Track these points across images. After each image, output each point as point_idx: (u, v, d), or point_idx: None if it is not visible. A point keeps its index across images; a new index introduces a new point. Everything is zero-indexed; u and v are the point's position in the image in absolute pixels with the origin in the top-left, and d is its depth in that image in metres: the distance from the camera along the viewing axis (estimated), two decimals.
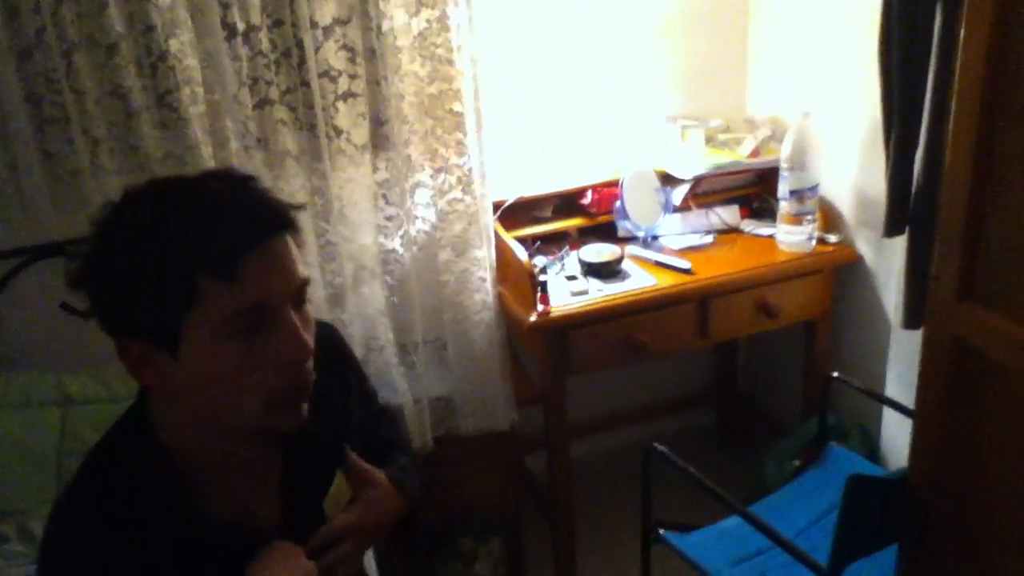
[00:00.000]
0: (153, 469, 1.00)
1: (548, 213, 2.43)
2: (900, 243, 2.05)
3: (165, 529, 0.99)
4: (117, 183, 1.91)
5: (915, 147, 1.70)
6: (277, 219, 0.97)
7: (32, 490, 1.84)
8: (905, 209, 1.79)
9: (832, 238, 2.35)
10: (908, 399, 2.03)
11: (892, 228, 1.81)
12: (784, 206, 2.29)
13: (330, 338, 1.23)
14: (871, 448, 2.34)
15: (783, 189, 2.28)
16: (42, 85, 1.87)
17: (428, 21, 2.02)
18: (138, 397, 1.06)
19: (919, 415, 1.42)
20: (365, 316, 2.20)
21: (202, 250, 0.91)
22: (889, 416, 2.28)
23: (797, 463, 2.29)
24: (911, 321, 1.80)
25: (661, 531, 1.95)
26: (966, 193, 1.22)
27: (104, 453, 1.04)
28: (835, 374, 2.09)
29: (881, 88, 1.75)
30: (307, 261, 2.01)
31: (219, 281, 0.90)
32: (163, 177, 0.99)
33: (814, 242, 2.32)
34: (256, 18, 1.91)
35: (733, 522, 1.96)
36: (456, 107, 2.08)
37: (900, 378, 2.19)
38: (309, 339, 0.99)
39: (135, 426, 1.04)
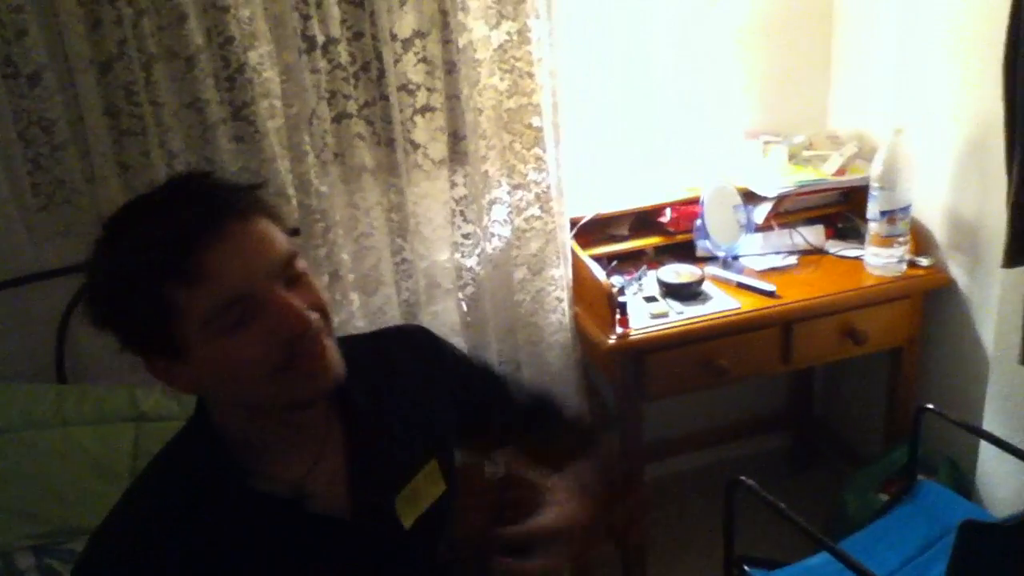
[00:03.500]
0: (208, 454, 1.00)
1: (625, 231, 2.36)
2: (998, 270, 1.96)
3: (219, 509, 0.98)
4: None
5: None
6: (226, 209, 0.92)
7: (103, 506, 1.79)
8: None
9: (924, 262, 2.24)
10: (1008, 434, 1.93)
11: (1013, 258, 1.70)
12: (873, 227, 2.19)
13: (415, 340, 1.25)
14: (963, 485, 2.22)
15: (873, 209, 2.18)
16: (121, 97, 1.85)
17: (508, 34, 1.98)
18: (198, 400, 1.05)
19: None
20: (439, 335, 2.14)
21: (156, 259, 0.88)
22: (986, 452, 2.16)
23: (884, 497, 2.19)
24: None
25: (745, 568, 1.86)
26: None
27: (166, 450, 1.05)
28: (928, 405, 1.99)
29: (1005, 109, 1.65)
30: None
31: (183, 285, 0.88)
32: (128, 201, 0.97)
33: (904, 265, 2.21)
34: (336, 31, 1.89)
35: (821, 559, 1.87)
36: (535, 121, 2.03)
37: (999, 412, 2.08)
38: (303, 310, 0.94)
39: (196, 423, 1.04)
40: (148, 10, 1.78)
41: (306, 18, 1.86)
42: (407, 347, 1.23)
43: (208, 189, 0.96)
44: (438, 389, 1.22)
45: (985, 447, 2.15)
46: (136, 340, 0.94)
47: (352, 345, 1.04)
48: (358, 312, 2.08)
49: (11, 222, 1.89)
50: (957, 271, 2.23)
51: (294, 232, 1.95)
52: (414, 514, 1.13)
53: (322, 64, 1.90)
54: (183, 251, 0.88)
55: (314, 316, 0.96)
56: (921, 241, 2.27)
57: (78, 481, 1.83)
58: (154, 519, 0.97)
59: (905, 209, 2.16)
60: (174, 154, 1.90)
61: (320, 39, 1.88)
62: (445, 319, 2.15)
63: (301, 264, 0.97)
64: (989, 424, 2.11)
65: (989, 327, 2.14)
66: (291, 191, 1.97)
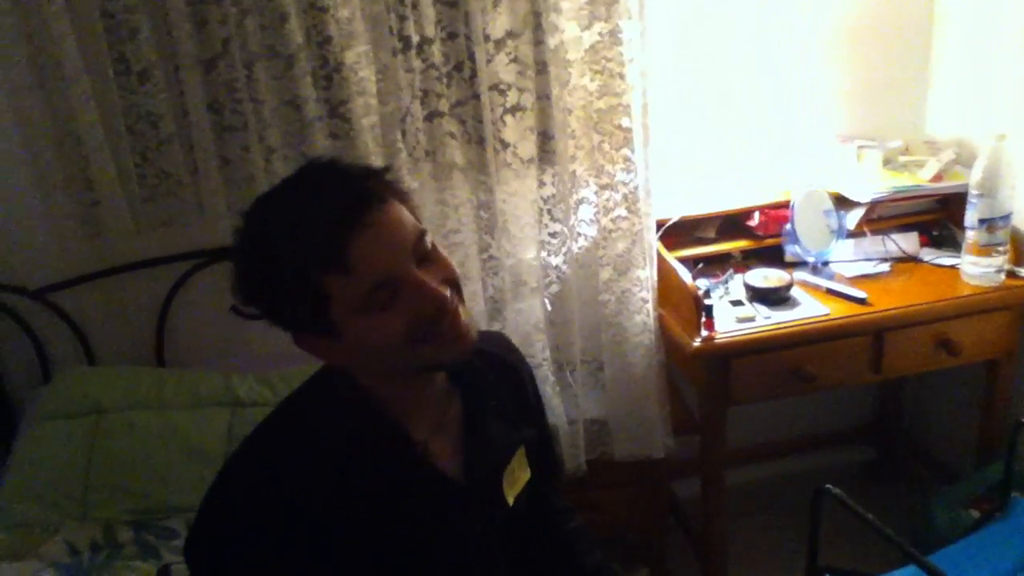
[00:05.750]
0: (347, 397, 1.07)
1: (712, 234, 2.35)
2: None
3: (354, 446, 1.04)
4: None
5: None
6: (363, 195, 0.98)
7: (199, 487, 1.87)
8: None
9: (1023, 272, 2.17)
10: None
11: None
12: (972, 235, 2.13)
13: (505, 341, 1.36)
14: None
15: (971, 217, 2.12)
16: (224, 94, 1.92)
17: (600, 34, 1.98)
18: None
19: None
20: (522, 332, 2.16)
21: (313, 251, 0.95)
22: None
23: (976, 513, 2.12)
24: None
25: None
26: None
27: (299, 392, 1.13)
28: None
29: None
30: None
31: (338, 274, 0.95)
32: (264, 192, 1.04)
33: (1003, 276, 2.14)
34: (431, 31, 1.92)
35: (908, 572, 1.82)
36: (624, 122, 2.03)
37: None
38: (440, 288, 1.01)
39: (327, 374, 1.12)
40: (252, 10, 1.84)
41: (402, 18, 1.90)
42: (503, 345, 1.34)
43: (344, 176, 1.02)
44: (523, 388, 1.30)
45: None
46: (289, 320, 1.02)
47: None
48: None
49: (119, 212, 1.97)
50: None
51: None
52: (513, 493, 1.20)
53: (416, 63, 1.94)
54: (337, 243, 0.94)
55: (448, 291, 1.02)
56: (1021, 251, 2.20)
57: (175, 462, 1.90)
58: (291, 445, 1.05)
59: (1005, 218, 2.09)
60: (272, 149, 1.96)
61: (415, 39, 1.92)
62: (530, 316, 2.17)
63: (430, 240, 1.03)
64: None
65: None
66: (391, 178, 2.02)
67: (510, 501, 1.18)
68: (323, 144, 1.96)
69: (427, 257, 1.02)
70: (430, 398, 1.13)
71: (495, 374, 1.22)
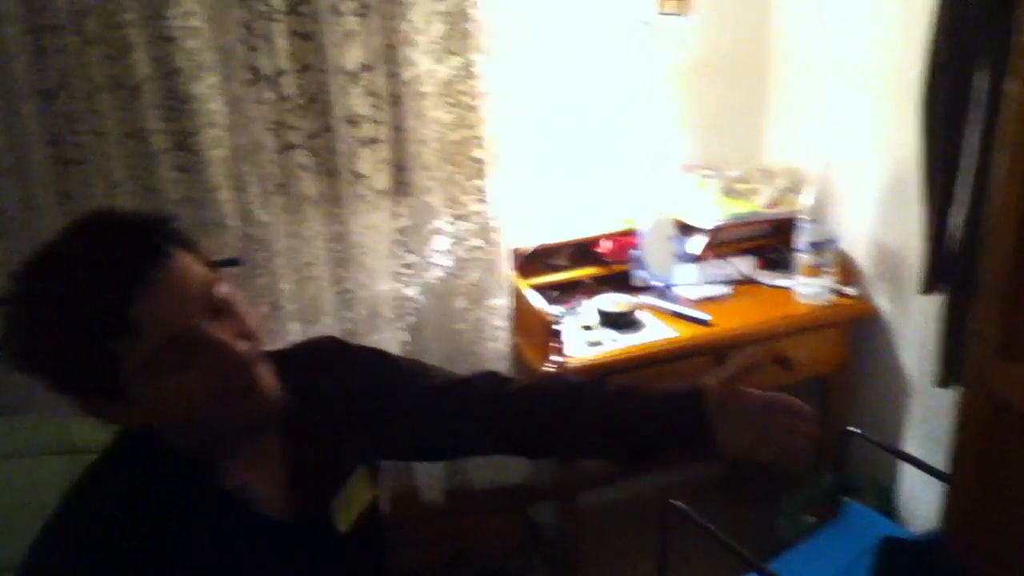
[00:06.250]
0: (151, 454, 1.00)
1: (564, 261, 2.42)
2: (919, 298, 2.05)
3: (164, 503, 0.98)
4: None
5: (952, 202, 1.70)
6: (144, 250, 0.91)
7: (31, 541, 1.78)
8: (943, 265, 1.77)
9: (850, 291, 2.34)
10: (927, 456, 2.02)
11: (929, 284, 1.80)
12: (802, 258, 2.28)
13: (324, 348, 1.24)
14: (888, 505, 2.31)
15: (802, 241, 2.27)
16: (64, 126, 1.85)
17: (454, 68, 2.03)
18: None
19: (954, 476, 1.40)
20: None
21: (94, 318, 0.87)
22: (907, 473, 2.25)
23: (812, 519, 2.26)
24: (945, 379, 1.78)
25: None
26: (1010, 250, 1.21)
27: (103, 458, 1.04)
28: (852, 428, 2.06)
29: (923, 145, 1.74)
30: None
31: (121, 337, 0.88)
32: (33, 253, 0.93)
33: (832, 295, 2.30)
34: (284, 63, 1.91)
35: None
36: (478, 154, 2.08)
37: (920, 435, 2.17)
38: (235, 343, 0.95)
39: (130, 435, 1.04)
40: (94, 39, 1.78)
41: (254, 50, 1.88)
42: (321, 359, 1.23)
43: (124, 230, 0.94)
44: (355, 397, 1.21)
45: (907, 468, 2.24)
46: (71, 387, 0.93)
47: (275, 360, 1.05)
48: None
49: None
50: (881, 300, 2.33)
51: (233, 262, 1.95)
52: (348, 519, 1.15)
53: (268, 95, 1.92)
54: (118, 304, 0.88)
55: (244, 346, 0.97)
56: (848, 272, 2.37)
57: (7, 516, 1.79)
58: (98, 508, 0.98)
59: (832, 241, 2.26)
60: (116, 183, 1.90)
61: (267, 71, 1.90)
62: (386, 348, 2.16)
63: (222, 290, 0.98)
64: (910, 446, 2.20)
65: (911, 353, 2.24)
66: (233, 220, 1.98)
67: (342, 528, 1.14)
68: (170, 177, 1.91)
69: (221, 309, 0.97)
70: (243, 442, 1.06)
71: (320, 397, 1.15)
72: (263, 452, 1.09)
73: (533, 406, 1.22)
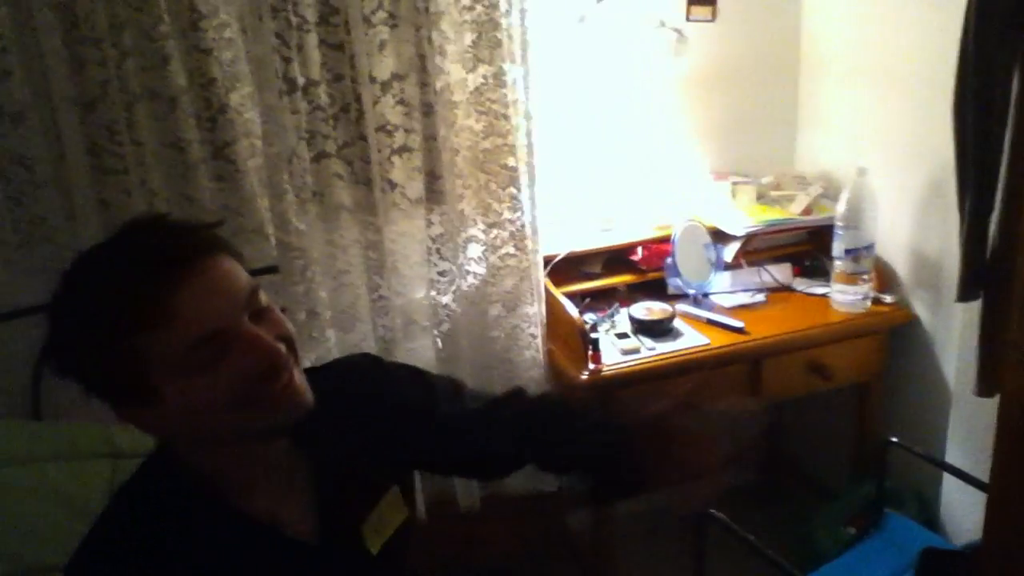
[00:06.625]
0: (176, 483, 1.00)
1: (598, 269, 2.41)
2: (958, 306, 2.01)
3: (191, 533, 0.98)
4: None
5: (990, 210, 1.67)
6: (188, 247, 0.93)
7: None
8: (980, 273, 1.75)
9: (887, 299, 2.31)
10: (970, 466, 1.98)
11: (966, 293, 1.77)
12: (839, 265, 2.26)
13: (358, 365, 1.25)
14: (928, 516, 2.27)
15: (838, 248, 2.25)
16: (103, 136, 1.88)
17: (484, 77, 2.03)
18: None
19: (993, 488, 1.37)
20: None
21: (126, 310, 0.88)
22: (949, 484, 2.21)
23: (852, 530, 2.23)
24: (985, 388, 1.75)
25: None
26: None
27: (131, 481, 1.04)
28: (893, 439, 2.04)
29: (956, 151, 1.72)
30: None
31: (156, 331, 0.88)
32: (85, 250, 0.96)
33: (869, 302, 2.28)
34: (316, 73, 1.93)
35: None
36: (510, 162, 2.08)
37: (961, 445, 2.13)
38: (273, 343, 0.95)
39: (158, 458, 1.04)
40: (132, 51, 1.81)
41: (287, 60, 1.90)
42: (355, 376, 1.23)
43: (166, 230, 0.96)
44: (390, 415, 1.21)
45: (948, 479, 2.20)
46: (106, 390, 0.93)
47: (309, 376, 1.04)
48: (335, 349, 2.10)
49: None
50: (920, 307, 2.29)
51: (271, 270, 1.97)
52: (380, 540, 1.15)
53: (302, 105, 1.94)
54: (150, 297, 0.88)
55: (282, 347, 0.97)
56: (885, 279, 2.34)
57: (52, 519, 1.81)
58: (126, 545, 0.97)
59: (869, 247, 2.23)
60: (155, 192, 1.92)
61: (300, 81, 1.92)
62: (421, 355, 2.18)
63: (264, 297, 0.98)
64: (952, 456, 2.16)
65: (950, 361, 2.20)
66: (270, 229, 2.00)
67: (374, 550, 1.13)
68: (207, 186, 1.93)
69: (261, 314, 0.97)
70: (272, 463, 1.06)
71: (353, 414, 1.16)
72: (290, 474, 1.09)
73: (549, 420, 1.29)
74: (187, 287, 0.89)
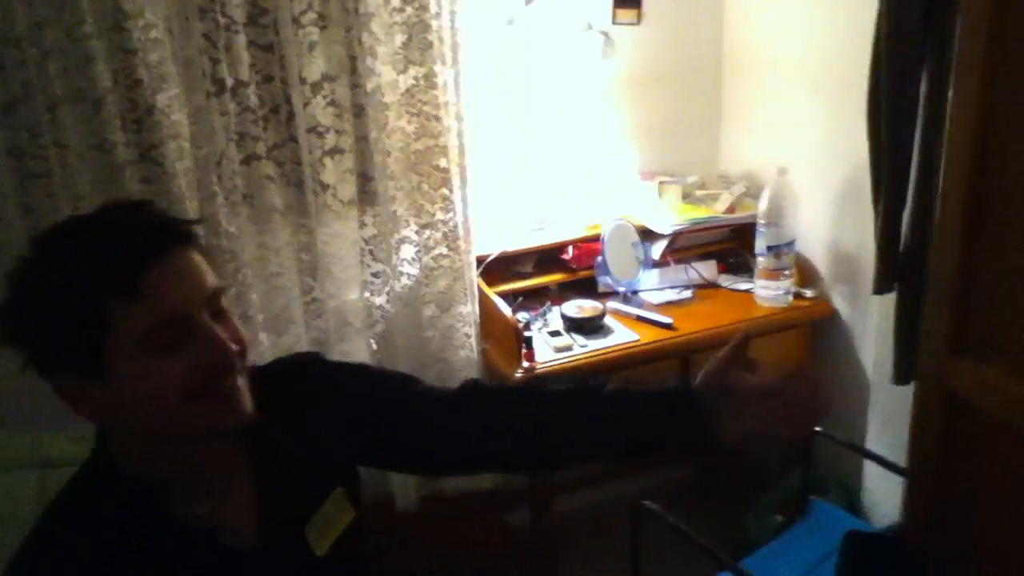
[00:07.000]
0: (114, 486, 1.00)
1: (530, 268, 2.44)
2: (875, 298, 2.09)
3: (128, 540, 0.98)
4: None
5: (903, 205, 1.75)
6: (172, 233, 0.97)
7: (5, 556, 1.77)
8: (895, 266, 1.82)
9: (808, 293, 2.39)
10: (890, 453, 2.06)
11: (882, 286, 1.85)
12: (761, 261, 2.33)
13: (302, 365, 1.24)
14: (852, 502, 2.35)
15: (760, 245, 2.32)
16: (25, 139, 1.84)
17: (416, 78, 2.05)
18: (97, 438, 1.05)
19: (911, 472, 1.43)
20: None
21: (102, 273, 0.91)
22: (870, 470, 2.30)
23: (781, 518, 2.29)
24: (901, 376, 1.83)
25: None
26: (957, 247, 1.24)
27: (68, 487, 1.04)
28: (817, 428, 2.10)
29: (870, 148, 1.80)
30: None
31: (126, 300, 0.91)
32: (61, 220, 0.99)
33: (791, 297, 2.35)
34: (245, 74, 1.92)
35: None
36: (442, 163, 2.10)
37: (881, 433, 2.21)
38: (228, 342, 0.98)
39: (93, 465, 1.04)
40: (54, 52, 1.77)
41: (215, 62, 1.89)
42: (298, 375, 1.22)
43: (147, 214, 0.99)
44: (337, 414, 1.20)
45: (869, 465, 2.28)
46: (55, 355, 0.93)
47: (253, 376, 1.05)
48: (268, 352, 2.08)
49: None
50: (839, 301, 2.38)
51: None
52: (326, 542, 1.14)
53: (231, 107, 1.92)
54: (131, 268, 0.91)
55: (235, 349, 0.99)
56: (806, 274, 2.42)
57: None
58: (63, 557, 0.96)
59: (790, 244, 2.30)
60: (80, 196, 1.88)
61: (229, 82, 1.91)
62: (356, 357, 2.18)
63: (225, 302, 1.01)
64: (874, 444, 2.24)
65: (868, 352, 2.29)
66: (200, 231, 1.97)
67: (319, 552, 1.13)
68: (134, 189, 1.90)
69: (221, 314, 1.00)
70: (213, 466, 1.06)
71: (298, 415, 1.16)
72: (232, 477, 1.09)
73: (539, 406, 1.21)
74: (158, 269, 0.92)
